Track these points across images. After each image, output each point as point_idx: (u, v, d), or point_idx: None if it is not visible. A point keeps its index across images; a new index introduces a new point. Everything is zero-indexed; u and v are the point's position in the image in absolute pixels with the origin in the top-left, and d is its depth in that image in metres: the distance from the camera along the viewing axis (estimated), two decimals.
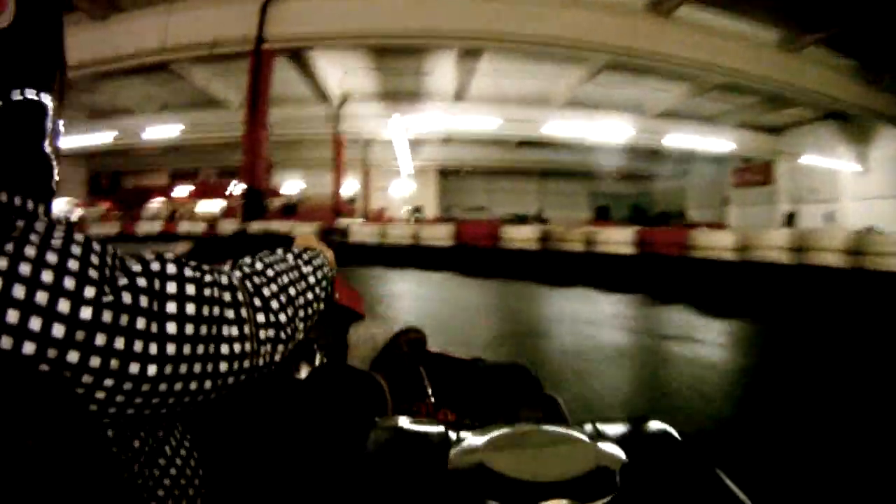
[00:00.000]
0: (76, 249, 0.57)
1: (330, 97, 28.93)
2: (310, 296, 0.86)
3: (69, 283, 0.55)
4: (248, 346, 0.70)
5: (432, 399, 1.42)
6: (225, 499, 0.78)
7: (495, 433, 0.77)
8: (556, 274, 13.65)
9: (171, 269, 0.66)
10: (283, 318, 0.77)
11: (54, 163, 0.70)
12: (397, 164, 34.29)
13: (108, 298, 0.57)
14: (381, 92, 29.26)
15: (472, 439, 0.75)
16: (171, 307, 0.63)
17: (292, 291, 0.82)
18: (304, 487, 0.82)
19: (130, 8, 21.31)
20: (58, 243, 0.56)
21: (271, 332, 0.75)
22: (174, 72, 25.00)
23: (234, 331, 0.69)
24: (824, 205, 33.63)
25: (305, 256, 0.91)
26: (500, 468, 0.67)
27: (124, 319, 0.58)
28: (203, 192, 41.89)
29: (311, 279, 0.88)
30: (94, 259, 0.58)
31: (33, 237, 0.55)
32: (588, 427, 0.81)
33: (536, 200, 44.80)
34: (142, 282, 0.62)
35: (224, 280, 0.71)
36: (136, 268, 0.63)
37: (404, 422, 0.88)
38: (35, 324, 0.52)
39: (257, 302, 0.75)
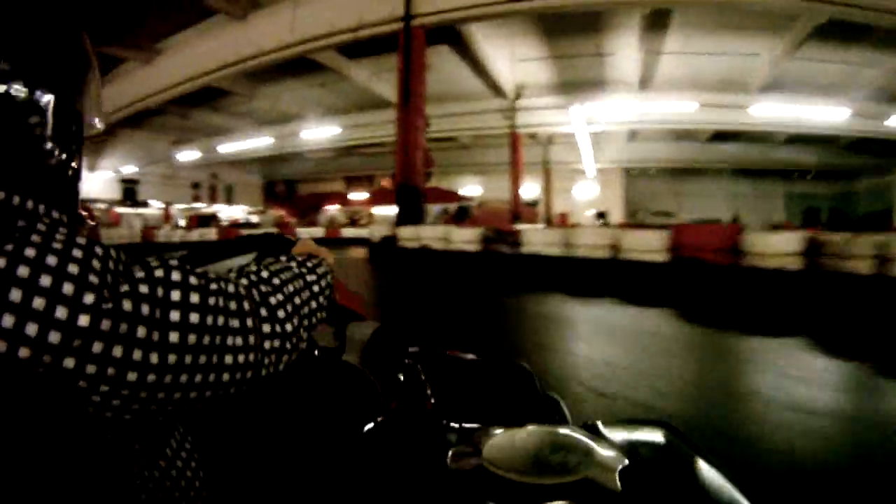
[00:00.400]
0: (77, 253, 0.56)
1: (504, 90, 26.50)
2: (314, 304, 0.83)
3: (68, 288, 0.54)
4: (252, 357, 0.68)
5: (432, 399, 1.33)
6: (225, 499, 0.75)
7: (495, 434, 0.77)
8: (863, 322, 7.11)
9: (176, 276, 0.64)
10: (289, 327, 0.75)
11: (72, 164, 0.72)
12: (580, 165, 31.85)
13: (108, 305, 0.56)
14: (557, 82, 26.07)
15: (472, 439, 0.75)
16: (174, 316, 0.61)
17: (297, 301, 0.79)
18: (304, 487, 0.75)
19: (268, 4, 19.96)
20: (58, 246, 0.55)
21: (277, 343, 0.72)
22: (332, 71, 23.67)
23: (239, 341, 0.67)
24: None
25: (309, 264, 0.88)
26: (501, 469, 0.67)
27: (123, 328, 0.56)
28: (379, 198, 40.04)
29: (316, 287, 0.85)
30: (96, 264, 0.57)
31: (34, 238, 0.55)
32: (588, 429, 0.81)
33: (727, 203, 39.41)
34: (144, 289, 0.60)
35: (231, 289, 0.69)
36: (140, 274, 0.61)
37: (404, 422, 0.90)
38: (31, 329, 0.51)
39: (264, 312, 0.72)
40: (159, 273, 0.62)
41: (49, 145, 0.68)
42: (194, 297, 0.63)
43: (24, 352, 0.50)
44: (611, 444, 0.75)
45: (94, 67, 0.77)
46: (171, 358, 0.59)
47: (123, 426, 0.63)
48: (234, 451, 0.86)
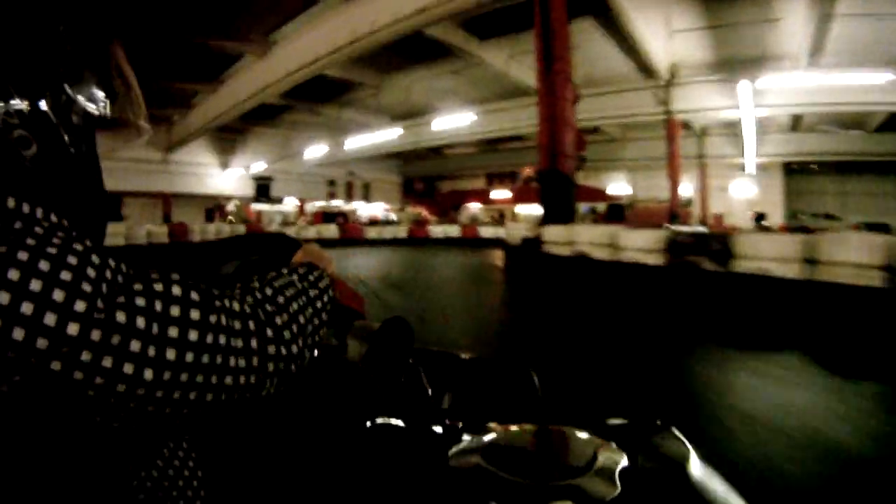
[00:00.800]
0: (72, 259, 0.55)
1: (656, 70, 22.76)
2: (317, 322, 0.80)
3: (58, 294, 0.53)
4: (253, 378, 0.66)
5: (433, 398, 1.28)
6: (224, 498, 0.76)
7: (496, 434, 0.77)
8: None
9: (176, 290, 0.62)
10: (294, 349, 0.72)
11: (81, 166, 0.69)
12: (737, 159, 28.78)
13: (100, 316, 0.55)
14: (716, 59, 22.36)
15: (472, 440, 0.75)
16: (172, 332, 0.60)
17: (302, 319, 0.76)
18: (303, 487, 0.76)
19: None
20: (53, 251, 0.54)
21: (281, 365, 0.70)
22: (464, 56, 21.31)
23: (241, 362, 0.65)
24: None
25: (311, 277, 0.85)
26: (501, 469, 0.67)
27: (115, 339, 0.55)
28: (522, 195, 38.56)
29: (318, 304, 0.82)
30: (91, 272, 0.56)
31: (29, 241, 0.54)
32: (588, 428, 0.81)
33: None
34: (140, 302, 0.58)
35: (235, 306, 0.67)
36: (137, 286, 0.59)
37: (404, 421, 0.88)
38: (18, 334, 0.51)
39: (269, 332, 0.70)
40: (158, 287, 0.60)
41: (50, 148, 0.64)
42: (195, 314, 0.61)
43: (10, 354, 0.51)
44: (610, 444, 0.74)
45: (116, 67, 0.76)
46: (166, 375, 0.58)
47: (117, 428, 0.63)
48: (233, 451, 0.81)
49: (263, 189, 36.84)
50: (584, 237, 12.11)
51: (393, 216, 41.62)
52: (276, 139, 33.92)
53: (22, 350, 0.50)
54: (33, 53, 0.66)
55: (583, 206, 33.14)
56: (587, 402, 3.84)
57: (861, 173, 34.28)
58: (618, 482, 0.66)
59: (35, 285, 0.51)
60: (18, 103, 0.62)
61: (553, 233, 12.90)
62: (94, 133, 0.74)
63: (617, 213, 27.01)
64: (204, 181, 34.06)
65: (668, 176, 27.15)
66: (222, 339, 0.62)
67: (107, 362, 0.54)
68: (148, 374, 0.56)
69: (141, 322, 0.57)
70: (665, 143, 26.70)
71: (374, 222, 37.83)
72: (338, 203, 41.60)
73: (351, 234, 30.42)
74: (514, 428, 0.82)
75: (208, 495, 0.76)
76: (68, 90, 0.69)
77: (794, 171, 34.49)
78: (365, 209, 42.71)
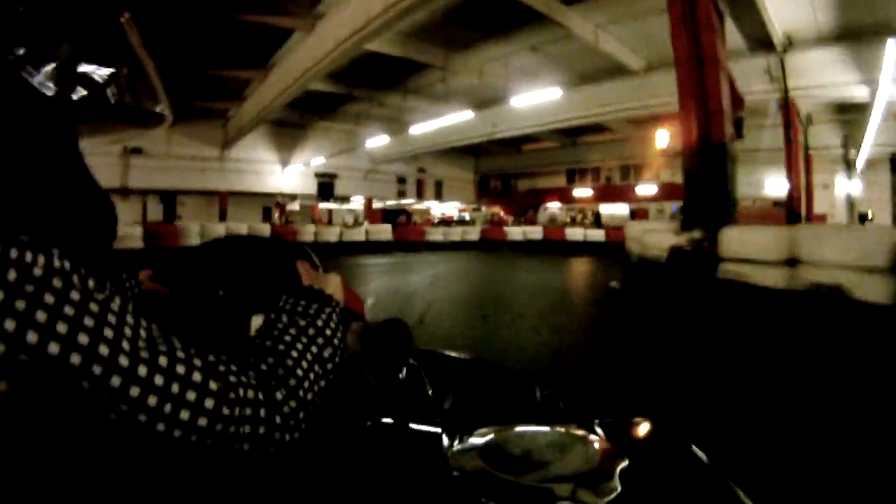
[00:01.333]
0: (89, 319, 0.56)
1: (770, 38, 18.90)
2: (330, 366, 0.79)
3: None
4: (263, 438, 0.66)
5: (433, 399, 1.35)
6: (222, 498, 0.76)
7: (495, 434, 0.77)
8: None
9: (180, 369, 0.61)
10: (302, 415, 0.71)
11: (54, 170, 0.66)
12: (839, 151, 25.17)
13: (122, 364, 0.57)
14: (836, 29, 18.51)
15: (472, 440, 0.75)
16: (191, 396, 0.60)
17: (313, 375, 0.75)
18: (303, 487, 0.75)
19: None
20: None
21: (287, 435, 0.69)
22: (545, 26, 17.72)
23: (247, 429, 0.65)
24: None
25: (324, 315, 0.83)
26: (501, 470, 0.68)
27: (134, 391, 0.57)
28: (605, 194, 36.37)
29: (328, 351, 0.80)
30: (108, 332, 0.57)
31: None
32: (589, 428, 0.81)
33: None
34: (163, 361, 0.60)
35: (244, 378, 0.66)
36: (162, 359, 0.60)
37: (404, 421, 0.89)
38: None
39: (279, 395, 0.69)
40: (163, 361, 0.59)
41: (8, 154, 0.61)
42: (213, 385, 0.62)
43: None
44: (610, 444, 0.74)
45: (122, 47, 0.73)
46: (177, 433, 0.59)
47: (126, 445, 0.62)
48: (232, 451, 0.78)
49: (326, 188, 34.18)
50: (830, 251, 5.67)
51: (467, 215, 38.73)
52: (338, 134, 31.26)
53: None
54: None
55: (672, 206, 29.67)
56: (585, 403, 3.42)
57: None
58: (618, 482, 0.66)
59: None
60: None
61: (746, 239, 6.80)
62: (73, 127, 0.69)
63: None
64: (262, 179, 31.74)
65: (787, 169, 22.73)
66: (237, 411, 0.62)
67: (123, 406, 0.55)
68: (160, 426, 0.58)
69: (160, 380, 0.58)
70: (769, 132, 22.79)
71: (447, 222, 34.58)
72: (409, 202, 38.93)
73: (406, 237, 26.11)
74: (514, 428, 0.79)
75: (207, 494, 0.72)
76: (33, 78, 0.64)
77: None
78: (438, 208, 39.95)
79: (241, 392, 0.64)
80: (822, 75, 19.88)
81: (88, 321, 0.54)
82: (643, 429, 0.89)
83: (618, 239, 20.71)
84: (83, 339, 0.54)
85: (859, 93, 20.10)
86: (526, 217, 36.66)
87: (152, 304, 1.02)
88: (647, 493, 0.68)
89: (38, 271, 0.54)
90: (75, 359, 0.53)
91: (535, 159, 37.08)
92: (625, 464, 0.71)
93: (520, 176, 40.94)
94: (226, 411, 0.62)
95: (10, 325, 0.50)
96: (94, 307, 0.56)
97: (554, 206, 38.01)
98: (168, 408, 0.58)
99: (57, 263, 0.56)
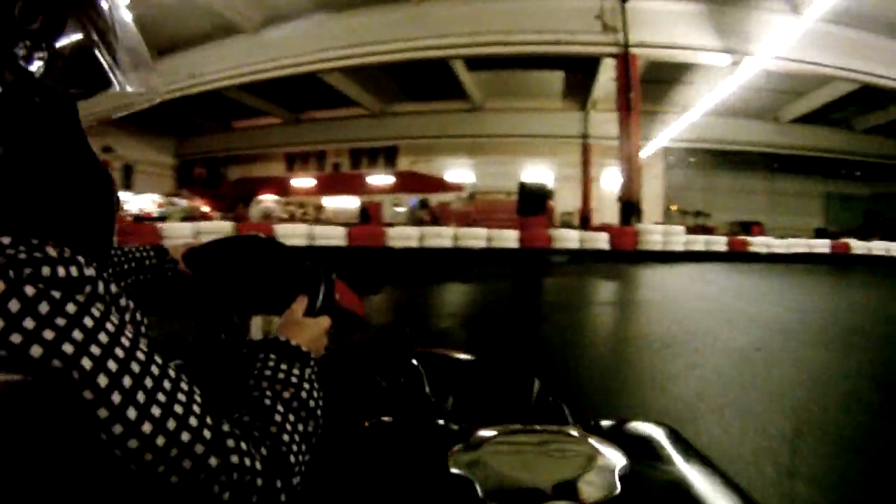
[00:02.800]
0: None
1: None
2: (311, 427, 0.78)
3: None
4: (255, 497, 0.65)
5: (432, 399, 1.32)
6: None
7: (495, 434, 0.77)
8: None
9: (196, 408, 0.62)
10: (297, 480, 0.70)
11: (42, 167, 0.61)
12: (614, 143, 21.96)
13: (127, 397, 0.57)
14: None
15: (472, 440, 0.75)
16: (185, 436, 0.60)
17: (302, 428, 0.75)
18: (302, 488, 0.72)
19: None
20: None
21: (282, 496, 0.67)
22: None
23: (230, 479, 0.63)
24: None
25: (306, 383, 0.81)
26: (501, 470, 0.67)
27: (132, 443, 0.56)
28: (332, 185, 31.20)
29: (314, 403, 0.80)
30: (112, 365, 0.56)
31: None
32: (589, 429, 0.82)
33: (764, 203, 35.33)
34: (161, 398, 0.59)
35: (243, 445, 0.65)
36: (161, 395, 0.59)
37: (404, 422, 0.91)
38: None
39: (278, 494, 0.67)
40: (161, 398, 0.59)
41: (19, 146, 0.58)
42: (207, 434, 0.61)
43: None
44: (610, 445, 0.75)
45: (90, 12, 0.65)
46: (174, 479, 0.59)
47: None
48: None
49: None
50: None
51: (156, 211, 29.91)
52: None
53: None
54: None
55: (411, 200, 27.52)
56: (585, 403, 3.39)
57: (729, 171, 33.90)
58: (617, 482, 0.66)
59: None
60: None
61: None
62: (75, 111, 0.66)
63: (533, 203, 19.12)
64: None
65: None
66: (217, 490, 0.61)
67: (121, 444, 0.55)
68: (148, 456, 0.57)
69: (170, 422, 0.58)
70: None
71: (138, 218, 26.31)
72: None
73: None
74: (513, 428, 0.79)
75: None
76: (28, 62, 0.59)
77: (672, 164, 31.67)
78: (135, 202, 30.78)
79: (242, 470, 0.62)
80: (673, 32, 18.23)
81: (103, 337, 0.55)
82: (643, 429, 0.89)
83: (367, 242, 15.98)
84: (95, 349, 0.54)
85: (714, 60, 18.80)
86: (235, 212, 29.06)
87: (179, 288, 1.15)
88: (647, 494, 0.68)
89: (62, 273, 0.55)
90: (86, 363, 0.53)
91: (250, 140, 31.67)
92: (624, 464, 0.69)
93: (231, 162, 34.21)
94: (216, 490, 0.61)
95: (29, 323, 0.51)
96: (110, 326, 0.56)
97: (269, 199, 31.13)
98: (162, 468, 0.57)
99: (75, 272, 0.56)
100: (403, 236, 16.45)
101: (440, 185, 27.99)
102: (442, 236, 16.60)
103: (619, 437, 0.80)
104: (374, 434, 0.90)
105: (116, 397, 0.54)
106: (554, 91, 25.70)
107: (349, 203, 29.51)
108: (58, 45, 0.62)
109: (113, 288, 0.60)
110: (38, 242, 0.55)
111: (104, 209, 0.68)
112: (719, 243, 20.30)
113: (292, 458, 0.70)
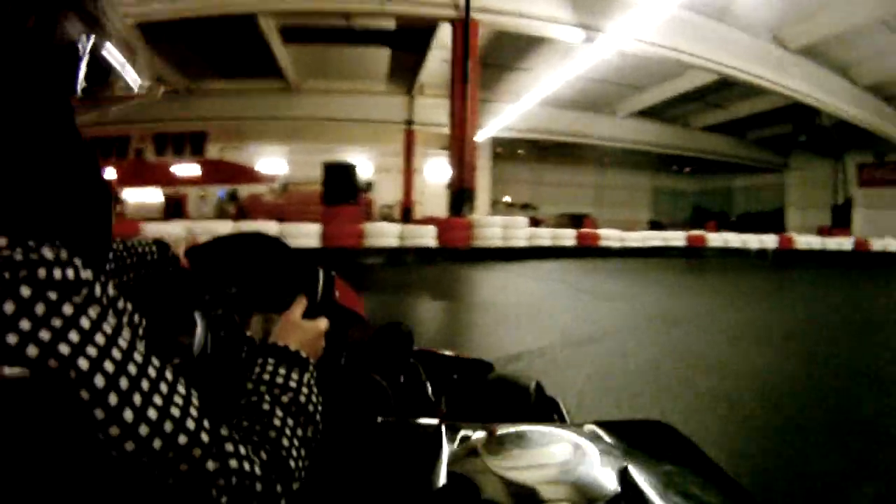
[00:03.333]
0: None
1: None
2: (311, 431, 0.78)
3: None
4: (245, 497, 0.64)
5: (432, 399, 1.37)
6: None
7: (495, 434, 0.76)
8: None
9: (193, 412, 0.62)
10: (297, 485, 0.70)
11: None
12: (444, 130, 20.60)
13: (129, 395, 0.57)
14: None
15: (472, 440, 0.75)
16: (182, 439, 0.61)
17: (301, 432, 0.76)
18: (301, 488, 0.73)
19: None
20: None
21: (283, 489, 0.68)
22: None
23: (229, 484, 0.63)
24: None
25: (305, 388, 0.82)
26: (500, 469, 0.67)
27: (136, 439, 0.57)
28: (133, 175, 26.15)
29: (313, 407, 0.81)
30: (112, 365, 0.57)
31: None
32: (588, 428, 0.81)
33: (592, 197, 36.44)
34: (158, 400, 0.60)
35: (241, 450, 0.65)
36: (157, 399, 0.59)
37: (403, 421, 0.92)
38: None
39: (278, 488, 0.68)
40: (158, 400, 0.59)
41: (15, 146, 0.58)
42: (205, 437, 0.62)
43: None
44: (609, 444, 0.75)
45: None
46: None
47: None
48: None
49: None
50: None
51: None
52: None
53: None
54: None
55: (220, 192, 25.06)
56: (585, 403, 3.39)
57: (557, 165, 34.12)
58: (617, 482, 0.66)
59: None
60: None
61: None
62: (70, 109, 0.66)
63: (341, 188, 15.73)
64: None
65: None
66: (215, 493, 0.60)
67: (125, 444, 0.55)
68: (157, 472, 0.57)
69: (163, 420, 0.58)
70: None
71: None
72: None
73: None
74: (513, 428, 0.78)
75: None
76: (22, 60, 0.61)
77: (499, 155, 30.82)
78: None
79: (241, 476, 0.62)
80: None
81: (100, 338, 0.55)
82: (642, 429, 0.89)
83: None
84: (92, 350, 0.54)
85: (566, 35, 17.15)
86: None
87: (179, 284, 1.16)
88: (646, 492, 0.67)
89: (58, 275, 0.54)
90: (83, 364, 0.53)
91: None
92: (623, 463, 0.70)
93: None
94: (214, 493, 0.60)
95: (26, 324, 0.51)
96: (107, 327, 0.56)
97: None
98: (157, 443, 0.57)
99: (71, 275, 0.56)
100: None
101: (251, 175, 24.71)
102: (219, 233, 12.71)
103: (617, 436, 0.78)
104: (373, 434, 0.87)
105: (113, 399, 0.54)
106: (379, 72, 23.03)
107: (153, 196, 25.50)
108: (51, 43, 0.62)
109: (111, 290, 0.60)
110: (35, 244, 0.55)
111: (101, 209, 0.66)
112: (567, 237, 18.39)
113: (292, 463, 0.69)
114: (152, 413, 0.57)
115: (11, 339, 0.50)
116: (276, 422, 0.72)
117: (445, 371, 1.49)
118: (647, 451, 0.78)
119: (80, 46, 0.66)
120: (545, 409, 1.31)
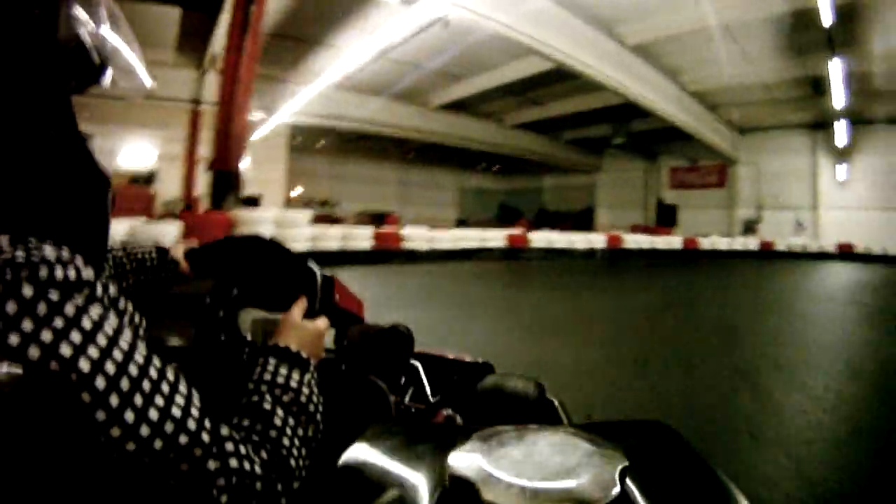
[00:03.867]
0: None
1: None
2: (311, 431, 0.80)
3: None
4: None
5: (432, 400, 1.39)
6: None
7: (496, 435, 0.76)
8: None
9: (195, 411, 0.63)
10: (297, 484, 0.72)
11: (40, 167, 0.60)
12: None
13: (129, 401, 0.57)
14: None
15: (472, 441, 0.75)
16: (183, 439, 0.61)
17: (301, 432, 0.78)
18: (300, 488, 0.74)
19: None
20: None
21: (283, 488, 0.69)
22: None
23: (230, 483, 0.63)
24: (793, 212, 31.31)
25: (305, 388, 0.84)
26: (501, 471, 0.67)
27: (146, 430, 0.58)
28: None
29: (314, 407, 0.83)
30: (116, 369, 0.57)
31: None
32: (588, 430, 0.82)
33: (395, 193, 36.50)
34: (160, 401, 0.60)
35: (242, 449, 0.66)
36: (159, 398, 0.60)
37: (403, 423, 0.91)
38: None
39: (266, 460, 0.69)
40: (179, 399, 0.61)
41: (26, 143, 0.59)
42: (205, 437, 0.62)
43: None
44: (610, 444, 0.74)
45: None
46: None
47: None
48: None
49: None
50: None
51: None
52: None
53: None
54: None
55: None
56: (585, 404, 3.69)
57: (359, 159, 33.48)
58: (618, 482, 0.65)
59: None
60: None
61: None
62: (70, 106, 0.66)
63: None
64: None
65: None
66: (215, 493, 0.61)
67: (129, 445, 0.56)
68: (158, 472, 0.58)
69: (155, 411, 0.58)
70: None
71: None
72: None
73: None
74: (513, 429, 0.78)
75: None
76: (24, 56, 0.60)
77: (297, 147, 28.86)
78: None
79: (241, 475, 0.63)
80: None
81: (102, 339, 0.56)
82: (643, 429, 0.90)
83: None
84: (93, 351, 0.54)
85: None
86: None
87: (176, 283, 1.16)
88: (647, 494, 0.68)
89: (60, 275, 0.55)
90: (84, 365, 0.53)
91: None
92: (625, 464, 0.69)
93: None
94: (211, 465, 0.61)
95: (28, 325, 0.51)
96: (108, 328, 0.57)
97: None
98: (158, 444, 0.57)
99: (73, 275, 0.56)
100: None
101: None
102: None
103: (617, 437, 0.79)
104: (373, 436, 0.86)
105: (114, 400, 0.55)
106: (167, 39, 19.20)
107: None
108: (50, 39, 0.62)
109: (112, 289, 0.61)
110: (36, 242, 0.56)
111: (100, 207, 0.67)
112: (363, 238, 15.90)
113: (292, 462, 0.71)
114: (153, 413, 0.57)
115: (14, 340, 0.50)
116: (277, 421, 0.73)
117: (445, 372, 1.50)
118: (647, 452, 0.78)
119: (78, 43, 0.64)
120: (546, 411, 1.31)
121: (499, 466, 0.67)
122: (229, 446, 0.63)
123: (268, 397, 0.76)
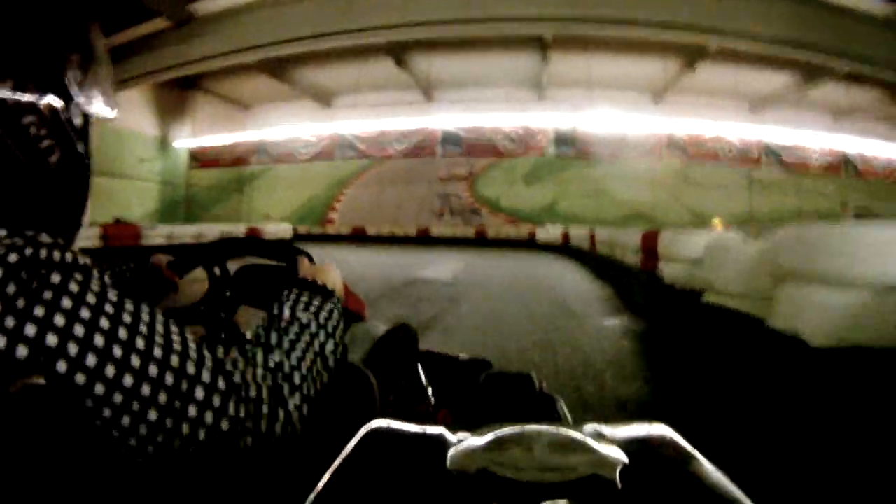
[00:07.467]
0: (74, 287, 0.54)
1: None
2: (331, 362, 0.78)
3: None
4: (266, 434, 0.63)
5: (432, 399, 1.34)
6: (222, 500, 0.72)
7: (495, 434, 0.73)
8: None
9: (192, 348, 0.60)
10: (306, 409, 0.70)
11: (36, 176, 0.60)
12: None
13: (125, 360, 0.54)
14: None
15: (471, 440, 0.72)
16: (199, 393, 0.59)
17: (314, 373, 0.74)
18: (301, 488, 0.67)
19: None
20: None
21: (295, 418, 0.68)
22: None
23: (250, 424, 0.61)
24: None
25: (324, 315, 0.80)
26: (501, 470, 0.64)
27: (146, 389, 0.55)
28: None
29: (336, 338, 0.79)
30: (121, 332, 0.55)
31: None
32: (588, 429, 0.79)
33: None
34: (158, 353, 0.57)
35: (249, 375, 0.64)
36: (158, 340, 0.57)
37: (402, 422, 0.88)
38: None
39: (285, 391, 0.67)
40: (175, 361, 0.57)
41: (68, 153, 0.62)
42: (206, 376, 0.59)
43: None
44: (610, 444, 0.70)
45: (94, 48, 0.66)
46: (171, 430, 0.55)
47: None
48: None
49: None
50: None
51: None
52: None
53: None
54: (45, 51, 0.60)
55: None
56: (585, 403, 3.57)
57: None
58: (618, 482, 0.62)
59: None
60: (37, 103, 0.58)
61: None
62: (89, 132, 0.68)
63: None
64: None
65: None
66: (241, 409, 0.59)
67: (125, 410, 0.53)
68: (168, 422, 0.55)
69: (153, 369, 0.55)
70: None
71: None
72: None
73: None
74: (513, 428, 0.74)
75: (204, 493, 0.68)
76: (72, 88, 0.62)
77: None
78: None
79: (247, 391, 0.61)
80: None
81: (104, 322, 0.53)
82: (643, 429, 0.82)
83: None
84: (99, 340, 0.52)
85: None
86: None
87: (165, 292, 1.11)
88: (647, 493, 0.63)
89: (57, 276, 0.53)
90: (91, 360, 0.51)
91: None
92: (624, 463, 0.65)
93: None
94: (231, 410, 0.59)
95: (30, 329, 0.49)
96: (108, 307, 0.54)
97: None
98: (177, 404, 0.55)
99: (70, 258, 0.55)
100: None
101: None
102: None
103: (617, 437, 0.75)
104: (373, 435, 0.81)
105: (135, 360, 0.53)
106: None
107: None
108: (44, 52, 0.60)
109: (106, 278, 0.59)
110: (33, 234, 0.55)
111: (80, 196, 0.66)
112: None
113: (297, 377, 0.68)
114: (169, 378, 0.55)
115: (10, 322, 0.48)
116: (299, 350, 0.71)
117: (445, 371, 1.44)
118: (647, 452, 0.73)
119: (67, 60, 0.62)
120: (544, 408, 1.25)
121: (498, 464, 0.64)
122: (248, 391, 0.61)
123: (294, 327, 0.74)
